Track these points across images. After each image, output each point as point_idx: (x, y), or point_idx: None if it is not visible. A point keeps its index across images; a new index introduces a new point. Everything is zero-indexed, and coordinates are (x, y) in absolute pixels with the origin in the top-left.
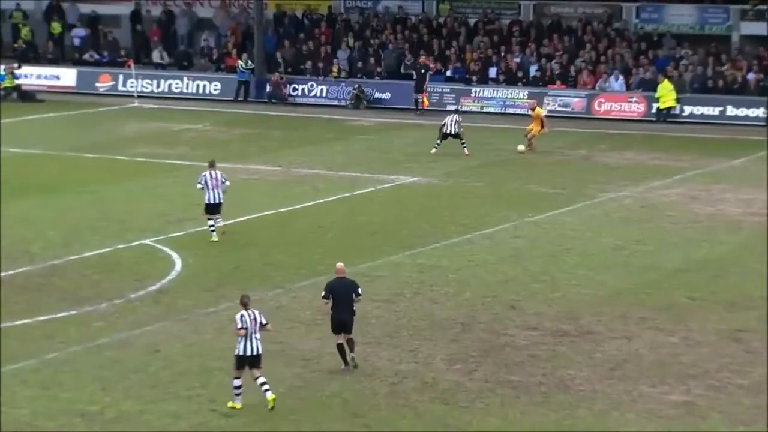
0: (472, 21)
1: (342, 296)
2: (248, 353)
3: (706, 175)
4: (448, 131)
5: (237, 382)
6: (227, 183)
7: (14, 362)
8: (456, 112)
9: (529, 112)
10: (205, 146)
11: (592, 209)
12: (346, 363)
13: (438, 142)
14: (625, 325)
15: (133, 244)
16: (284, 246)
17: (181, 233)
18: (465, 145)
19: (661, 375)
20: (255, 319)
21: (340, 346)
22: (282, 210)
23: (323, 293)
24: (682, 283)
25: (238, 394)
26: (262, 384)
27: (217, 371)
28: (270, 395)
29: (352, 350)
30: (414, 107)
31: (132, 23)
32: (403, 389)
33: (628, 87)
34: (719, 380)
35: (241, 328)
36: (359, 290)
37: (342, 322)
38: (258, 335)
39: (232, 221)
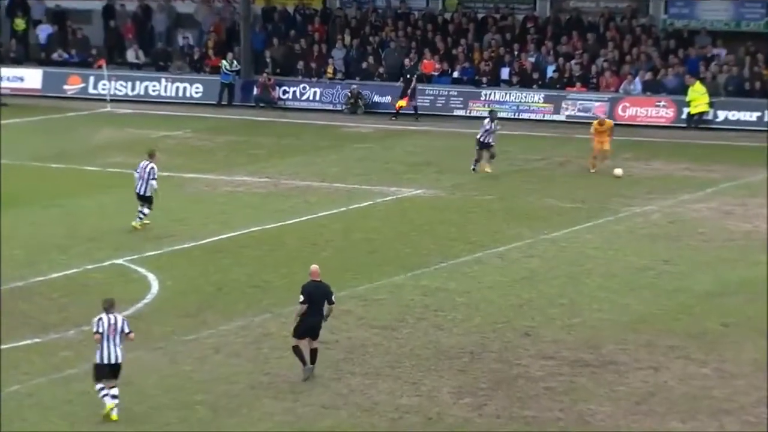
0: (481, 16)
1: (316, 301)
2: (105, 361)
3: (742, 188)
4: (480, 138)
5: (99, 387)
6: (152, 182)
7: None
8: (490, 114)
9: (596, 121)
10: (185, 155)
11: (616, 225)
12: (305, 363)
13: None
14: (652, 354)
15: (105, 264)
16: (273, 266)
17: (159, 252)
18: (480, 161)
19: (692, 410)
20: (114, 324)
21: (297, 349)
22: (270, 226)
23: (301, 298)
24: (715, 308)
25: (105, 395)
26: (112, 396)
27: (197, 406)
28: (110, 402)
29: (313, 362)
30: (394, 113)
31: (104, 19)
32: (405, 425)
33: (645, 89)
34: (756, 416)
35: (95, 333)
36: (333, 297)
37: (312, 327)
38: (119, 343)
39: (215, 238)
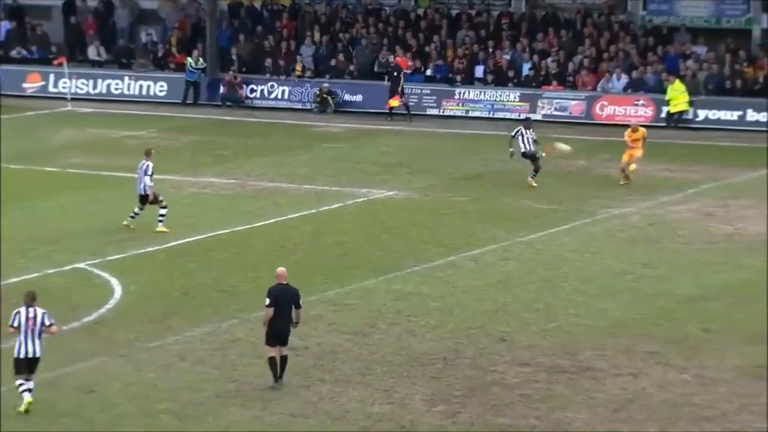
0: (455, 13)
1: (284, 305)
2: (23, 356)
3: (724, 189)
4: (526, 150)
5: (19, 381)
6: (146, 178)
7: None
8: (525, 121)
9: (628, 133)
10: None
11: (593, 228)
12: (276, 380)
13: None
14: (631, 360)
15: (66, 268)
16: (240, 270)
17: (122, 255)
18: (535, 173)
19: (672, 417)
20: (34, 317)
21: (272, 360)
22: (238, 228)
23: (267, 301)
24: (696, 313)
25: (24, 390)
26: (28, 390)
27: (162, 414)
28: (28, 397)
29: (283, 369)
30: (388, 113)
31: (64, 15)
32: None
33: (629, 88)
34: (738, 423)
35: (10, 326)
36: (300, 301)
37: (281, 333)
38: (38, 337)
39: (180, 241)
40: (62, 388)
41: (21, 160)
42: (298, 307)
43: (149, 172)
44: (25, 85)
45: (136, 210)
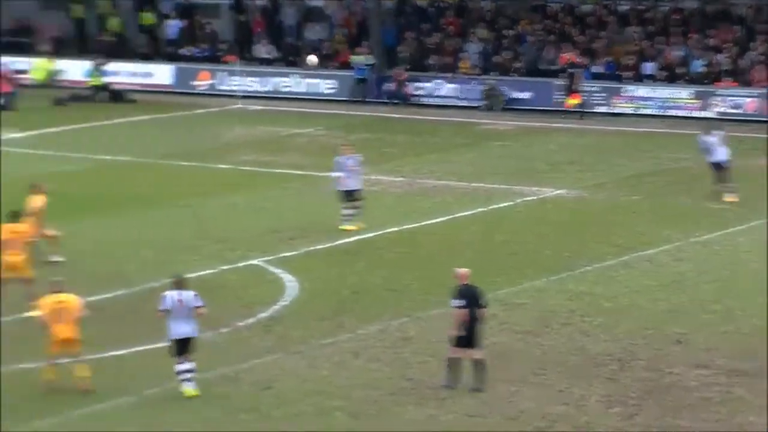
0: (623, 8)
1: (471, 305)
2: (175, 337)
3: None
4: (717, 159)
5: (178, 368)
6: (334, 175)
7: (110, 398)
8: (709, 123)
9: None
10: (318, 153)
11: None
12: (454, 380)
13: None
14: None
15: (240, 264)
16: (410, 268)
17: (293, 253)
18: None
19: None
20: (181, 300)
21: (454, 361)
22: (407, 227)
23: (460, 302)
24: None
25: (183, 380)
26: (187, 371)
27: (337, 411)
28: (189, 387)
29: (481, 374)
30: (563, 111)
31: (233, 13)
32: None
33: None
34: None
35: (160, 310)
36: (483, 300)
37: (470, 334)
38: (189, 319)
39: (348, 240)
40: (240, 383)
41: (192, 157)
42: (481, 306)
43: (336, 170)
44: (195, 83)
45: (351, 212)
